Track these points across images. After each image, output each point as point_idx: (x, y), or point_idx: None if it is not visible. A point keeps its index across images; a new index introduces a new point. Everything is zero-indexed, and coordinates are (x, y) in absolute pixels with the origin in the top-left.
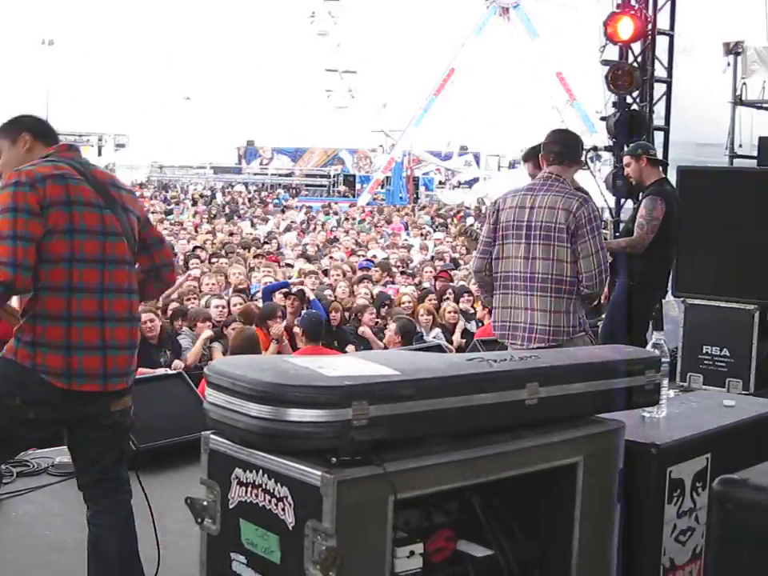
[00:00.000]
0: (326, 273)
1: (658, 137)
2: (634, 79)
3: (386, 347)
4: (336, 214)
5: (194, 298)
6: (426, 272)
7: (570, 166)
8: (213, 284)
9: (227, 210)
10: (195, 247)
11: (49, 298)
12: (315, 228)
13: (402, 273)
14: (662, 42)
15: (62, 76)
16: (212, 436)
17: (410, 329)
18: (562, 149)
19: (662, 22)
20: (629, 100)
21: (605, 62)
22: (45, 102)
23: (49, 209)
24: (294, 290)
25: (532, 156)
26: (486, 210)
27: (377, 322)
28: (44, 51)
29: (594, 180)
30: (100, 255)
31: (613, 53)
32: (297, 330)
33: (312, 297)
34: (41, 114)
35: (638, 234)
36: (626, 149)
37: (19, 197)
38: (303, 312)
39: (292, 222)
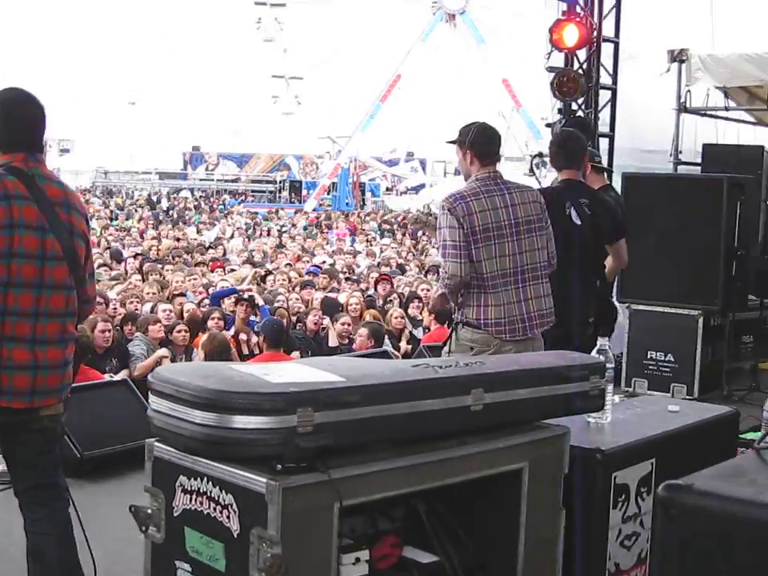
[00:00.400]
0: (263, 279)
1: (603, 143)
2: (579, 86)
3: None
4: (280, 219)
5: (137, 302)
6: (372, 278)
7: (499, 161)
8: (153, 292)
9: (173, 216)
10: (136, 254)
11: None
12: (261, 234)
13: (347, 279)
14: (607, 49)
15: (5, 79)
16: (156, 443)
17: (380, 333)
18: (496, 147)
19: (608, 29)
20: (574, 107)
21: (550, 69)
22: None
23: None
24: (245, 296)
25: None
26: (443, 217)
27: (323, 327)
28: None
29: (539, 185)
30: (37, 280)
31: (558, 60)
32: (248, 337)
33: (261, 303)
34: None
35: None
36: None
37: None
38: (265, 318)
39: (238, 227)
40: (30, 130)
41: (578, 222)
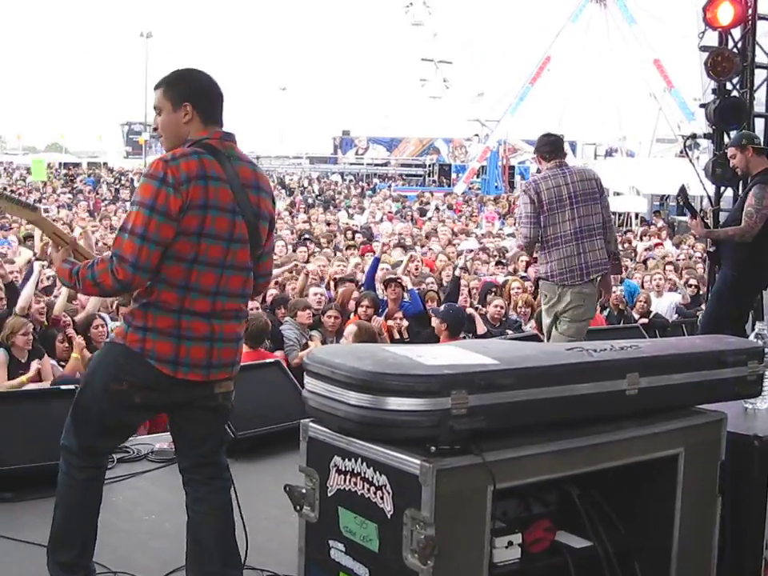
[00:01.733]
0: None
1: (759, 123)
2: (734, 65)
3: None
4: (426, 203)
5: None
6: (522, 261)
7: (563, 157)
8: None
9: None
10: (302, 236)
11: (165, 291)
12: (411, 217)
13: (498, 263)
14: (762, 27)
15: (160, 68)
16: (311, 424)
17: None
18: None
19: (763, 7)
20: (728, 87)
21: (704, 48)
22: (143, 94)
23: (186, 212)
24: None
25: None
26: (522, 196)
27: (476, 308)
28: (142, 44)
29: (693, 167)
30: (221, 260)
31: (712, 38)
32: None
33: (410, 286)
34: (140, 105)
35: (747, 222)
36: (726, 139)
37: (161, 197)
38: (445, 305)
39: (388, 211)
40: (223, 108)
41: None
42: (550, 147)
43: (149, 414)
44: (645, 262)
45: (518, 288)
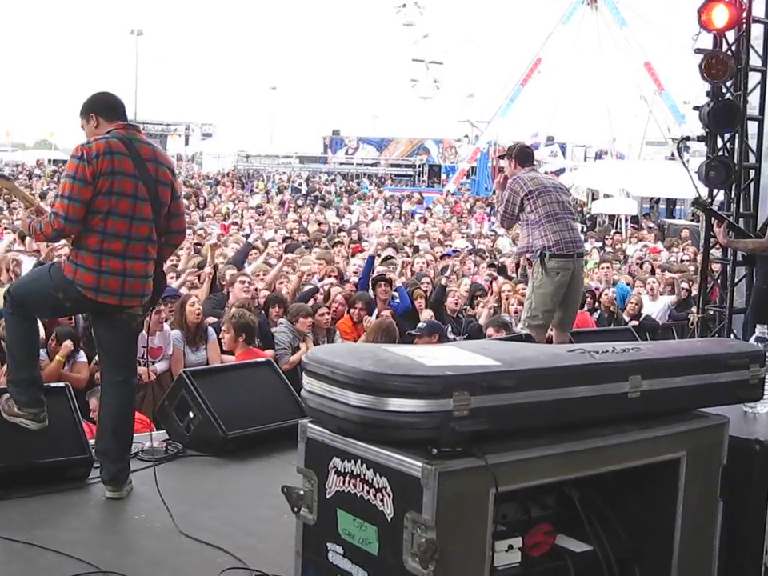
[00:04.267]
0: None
1: (753, 126)
2: (728, 68)
3: None
4: (420, 203)
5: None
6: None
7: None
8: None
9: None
10: (286, 238)
11: (89, 236)
12: (400, 217)
13: (491, 265)
14: (756, 30)
15: (151, 66)
16: (310, 424)
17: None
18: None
19: (757, 10)
20: (722, 89)
21: (698, 51)
22: (133, 92)
23: (98, 177)
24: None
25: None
26: (506, 191)
27: (464, 309)
28: (133, 41)
29: (685, 170)
30: (130, 213)
31: (707, 41)
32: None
33: (398, 284)
34: (129, 103)
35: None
36: (720, 142)
37: (79, 170)
38: (423, 323)
39: (378, 211)
40: (124, 109)
41: None
42: (529, 157)
43: (75, 313)
44: (641, 265)
45: (509, 291)
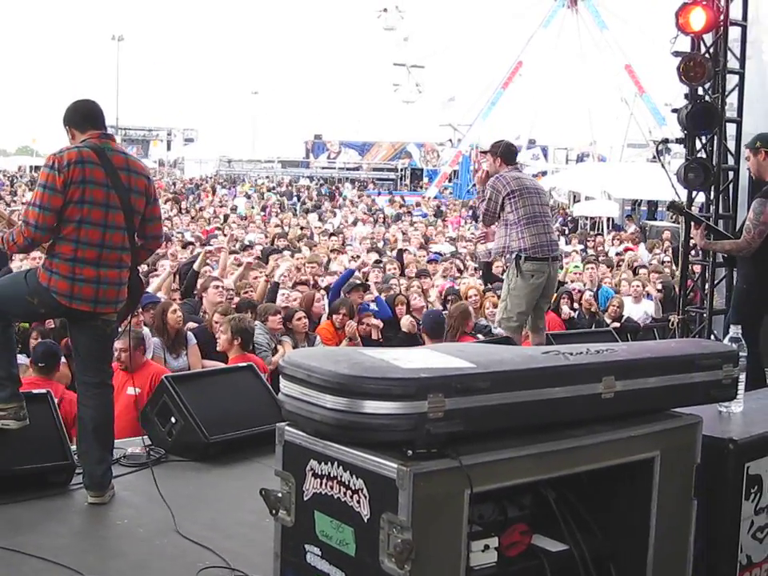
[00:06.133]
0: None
1: (731, 128)
2: (706, 70)
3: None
4: (402, 206)
5: (252, 292)
6: (496, 266)
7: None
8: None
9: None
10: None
11: (63, 245)
12: (383, 221)
13: (477, 269)
14: (734, 33)
15: (132, 72)
16: (287, 428)
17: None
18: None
19: (735, 13)
20: (700, 92)
21: (676, 53)
22: (115, 97)
23: (69, 186)
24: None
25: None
26: (489, 189)
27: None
28: (114, 47)
29: (665, 172)
30: (103, 221)
31: (684, 44)
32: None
33: (375, 293)
34: (110, 109)
35: (744, 237)
36: (698, 144)
37: (50, 178)
38: (426, 311)
39: (362, 215)
40: (101, 117)
41: None
42: (513, 156)
43: (49, 318)
44: (618, 265)
45: (475, 295)
